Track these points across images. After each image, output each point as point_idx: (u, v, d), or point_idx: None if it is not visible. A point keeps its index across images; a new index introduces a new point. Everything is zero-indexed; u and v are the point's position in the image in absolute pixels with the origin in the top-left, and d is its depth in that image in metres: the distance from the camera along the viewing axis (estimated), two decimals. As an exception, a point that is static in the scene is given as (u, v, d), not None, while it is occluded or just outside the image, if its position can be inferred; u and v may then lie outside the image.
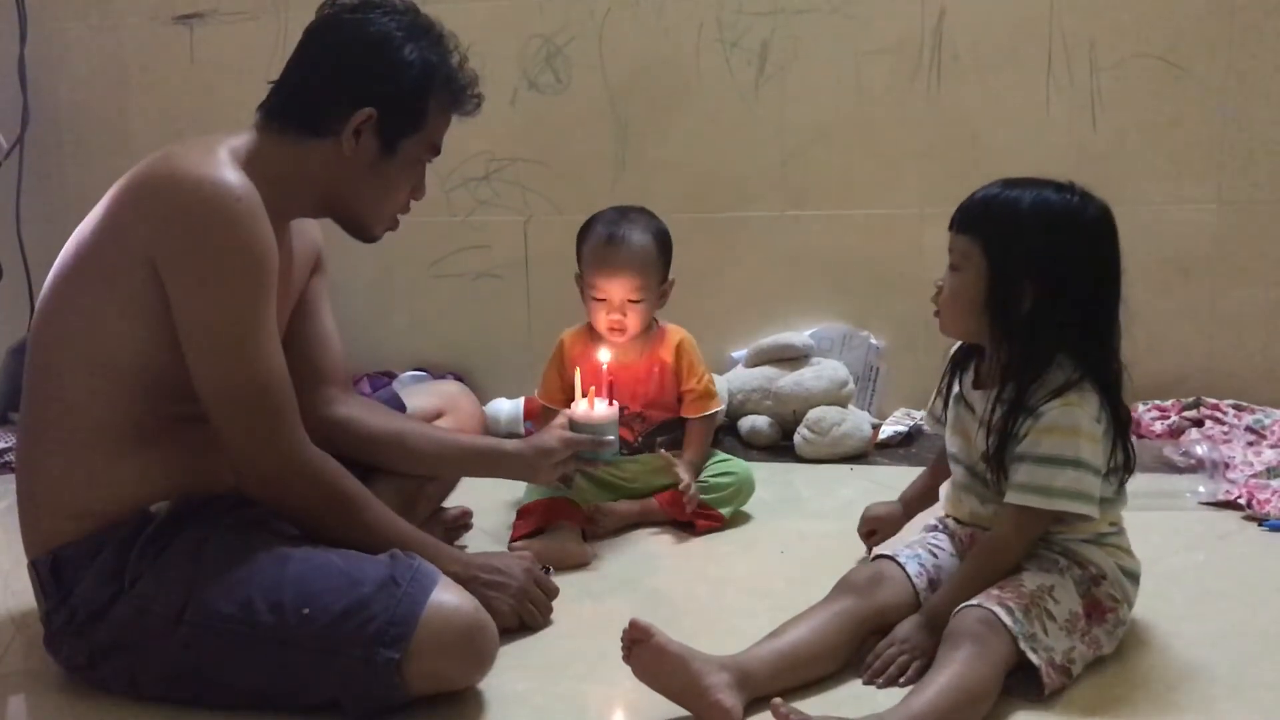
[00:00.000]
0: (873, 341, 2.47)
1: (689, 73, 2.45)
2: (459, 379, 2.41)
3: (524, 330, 2.58)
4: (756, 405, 2.35)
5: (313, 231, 1.54)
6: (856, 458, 2.22)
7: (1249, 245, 2.29)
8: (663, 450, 1.84)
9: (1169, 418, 2.24)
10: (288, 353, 1.34)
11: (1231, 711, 1.22)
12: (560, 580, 1.52)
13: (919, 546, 1.43)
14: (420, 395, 1.80)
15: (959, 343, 1.44)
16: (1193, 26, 2.24)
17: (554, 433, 1.65)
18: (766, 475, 2.00)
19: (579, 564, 1.68)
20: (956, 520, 1.44)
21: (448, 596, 1.23)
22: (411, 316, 2.66)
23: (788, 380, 2.32)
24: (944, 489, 1.47)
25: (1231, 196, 2.28)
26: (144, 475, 1.29)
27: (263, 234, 1.26)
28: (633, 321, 1.80)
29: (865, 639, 1.33)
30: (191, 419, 1.29)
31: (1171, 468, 2.00)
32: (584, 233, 1.83)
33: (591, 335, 1.85)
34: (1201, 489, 1.91)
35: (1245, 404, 2.24)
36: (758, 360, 2.40)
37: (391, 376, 2.56)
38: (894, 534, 1.55)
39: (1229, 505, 1.86)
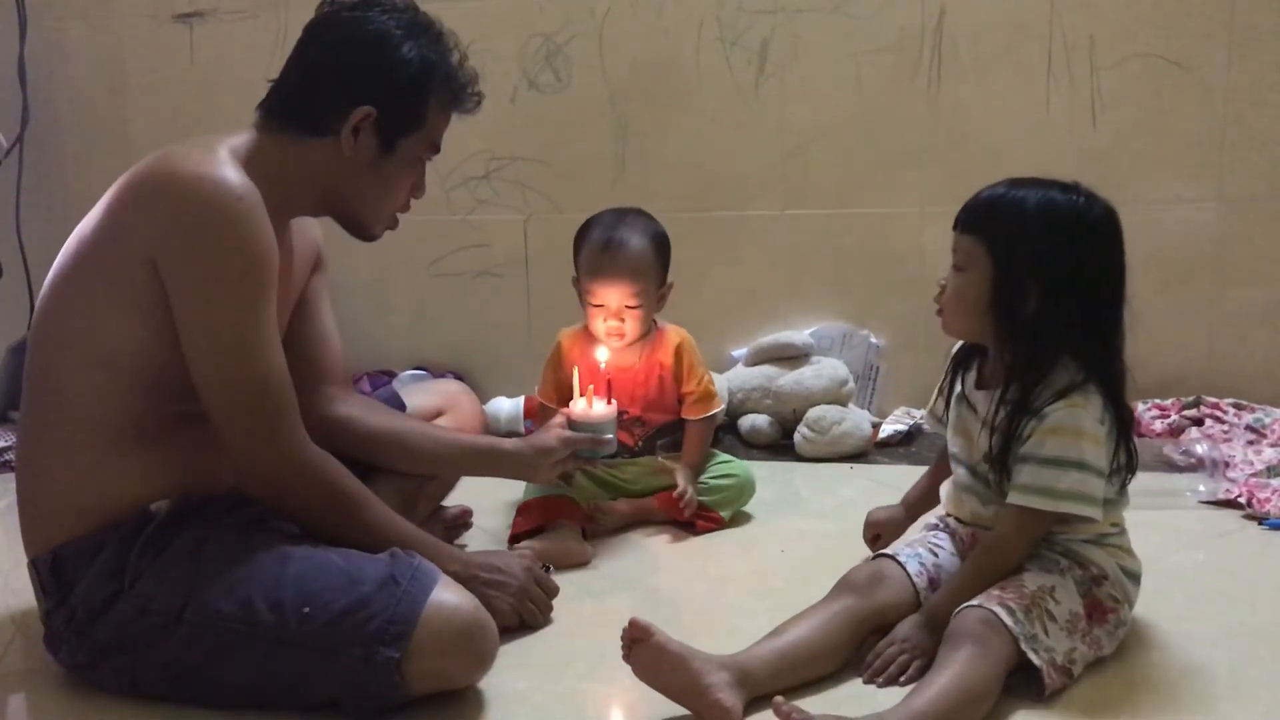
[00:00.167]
0: (873, 340, 2.47)
1: (689, 72, 2.45)
2: (459, 378, 2.41)
3: (524, 329, 2.58)
4: (756, 404, 2.35)
5: (313, 230, 1.54)
6: (856, 457, 2.22)
7: (1249, 244, 2.29)
8: (662, 459, 1.83)
9: (1169, 416, 2.24)
10: (288, 351, 1.34)
11: (1232, 711, 1.22)
12: (560, 579, 1.52)
13: (919, 545, 1.43)
14: (420, 394, 1.80)
15: (960, 342, 1.44)
16: (1193, 25, 2.24)
17: (553, 432, 1.65)
18: (766, 474, 2.00)
19: (579, 563, 1.68)
20: (958, 519, 1.44)
21: (448, 595, 1.23)
22: (411, 315, 2.66)
23: (788, 379, 2.32)
24: (944, 488, 1.47)
25: (1231, 195, 2.28)
26: (144, 474, 1.29)
27: (263, 233, 1.26)
28: (631, 326, 1.79)
29: (865, 638, 1.33)
30: (192, 418, 1.29)
31: (1172, 466, 2.00)
32: (580, 237, 1.81)
33: (589, 335, 1.84)
34: (1202, 488, 1.91)
35: (1245, 403, 2.24)
36: (758, 359, 2.40)
37: (391, 375, 2.56)
38: (898, 537, 1.54)
39: (1229, 504, 1.86)
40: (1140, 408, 2.25)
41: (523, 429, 2.36)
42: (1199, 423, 2.21)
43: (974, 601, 1.25)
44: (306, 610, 1.20)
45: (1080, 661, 1.27)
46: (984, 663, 1.18)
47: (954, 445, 1.43)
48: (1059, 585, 1.28)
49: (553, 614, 1.47)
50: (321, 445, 1.33)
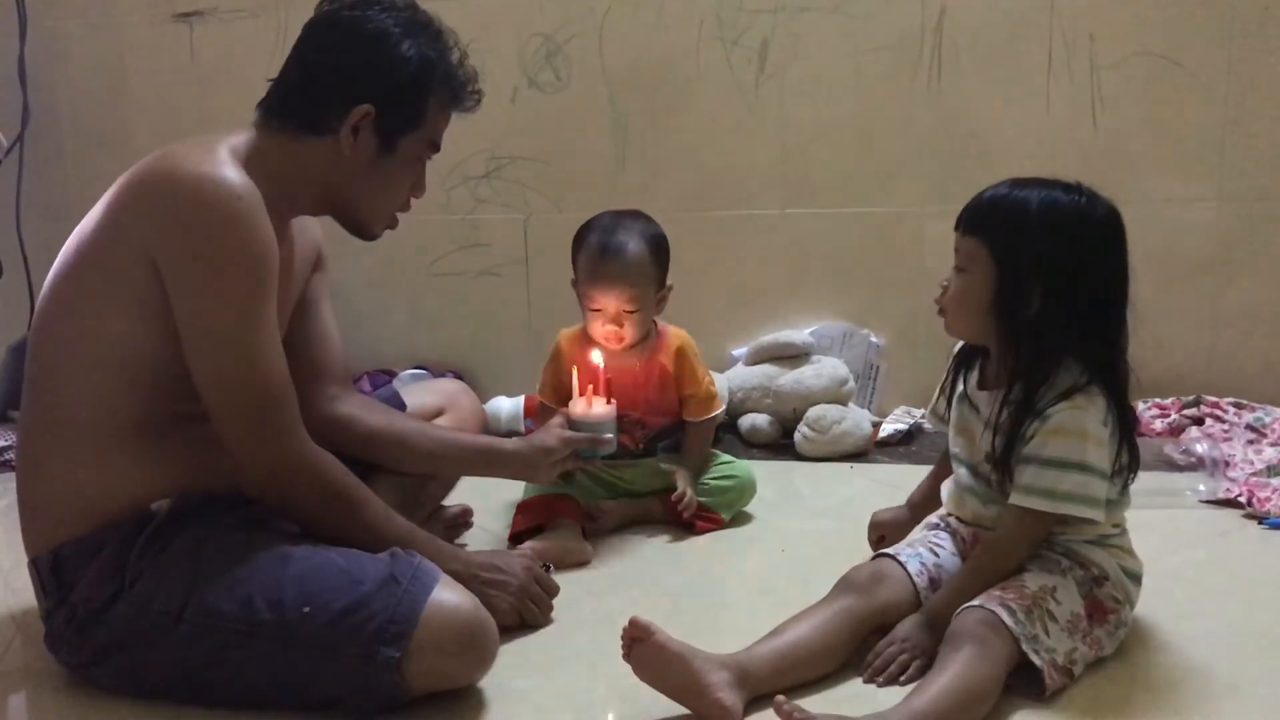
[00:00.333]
0: (873, 339, 2.47)
1: (689, 71, 2.45)
2: (459, 377, 2.42)
3: (524, 328, 2.58)
4: (757, 403, 2.35)
5: (314, 229, 1.54)
6: (856, 456, 2.22)
7: (1249, 243, 2.29)
8: (663, 466, 1.83)
9: (1169, 416, 2.24)
10: (288, 351, 1.33)
11: (1232, 710, 1.22)
12: (561, 578, 1.52)
13: (920, 545, 1.43)
14: (420, 393, 1.80)
15: (962, 341, 1.44)
16: (1193, 24, 2.24)
17: (553, 431, 1.65)
18: (767, 473, 2.00)
19: (579, 562, 1.68)
20: (959, 519, 1.44)
21: (448, 595, 1.23)
22: (411, 314, 2.67)
23: (788, 378, 2.32)
24: (945, 487, 1.47)
25: (1232, 194, 2.28)
26: (145, 473, 1.29)
27: (263, 232, 1.26)
28: (629, 331, 1.77)
29: (866, 638, 1.33)
30: (192, 417, 1.29)
31: (1172, 466, 2.00)
32: (578, 241, 1.79)
33: (589, 336, 1.84)
34: (1202, 487, 1.91)
35: (1245, 402, 2.24)
36: (758, 358, 2.40)
37: (391, 375, 2.56)
38: (903, 539, 1.54)
39: (1229, 503, 1.86)
40: (1140, 407, 2.25)
41: (523, 428, 2.36)
42: (1199, 422, 2.21)
43: (975, 602, 1.25)
44: (307, 610, 1.20)
45: (1081, 662, 1.27)
46: (985, 663, 1.18)
47: (955, 445, 1.43)
48: (1060, 586, 1.28)
49: (553, 613, 1.47)
50: (322, 445, 1.33)
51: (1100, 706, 1.23)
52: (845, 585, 1.36)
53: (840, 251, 2.46)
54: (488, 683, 1.28)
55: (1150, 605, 1.41)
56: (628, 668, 1.21)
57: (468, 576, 1.34)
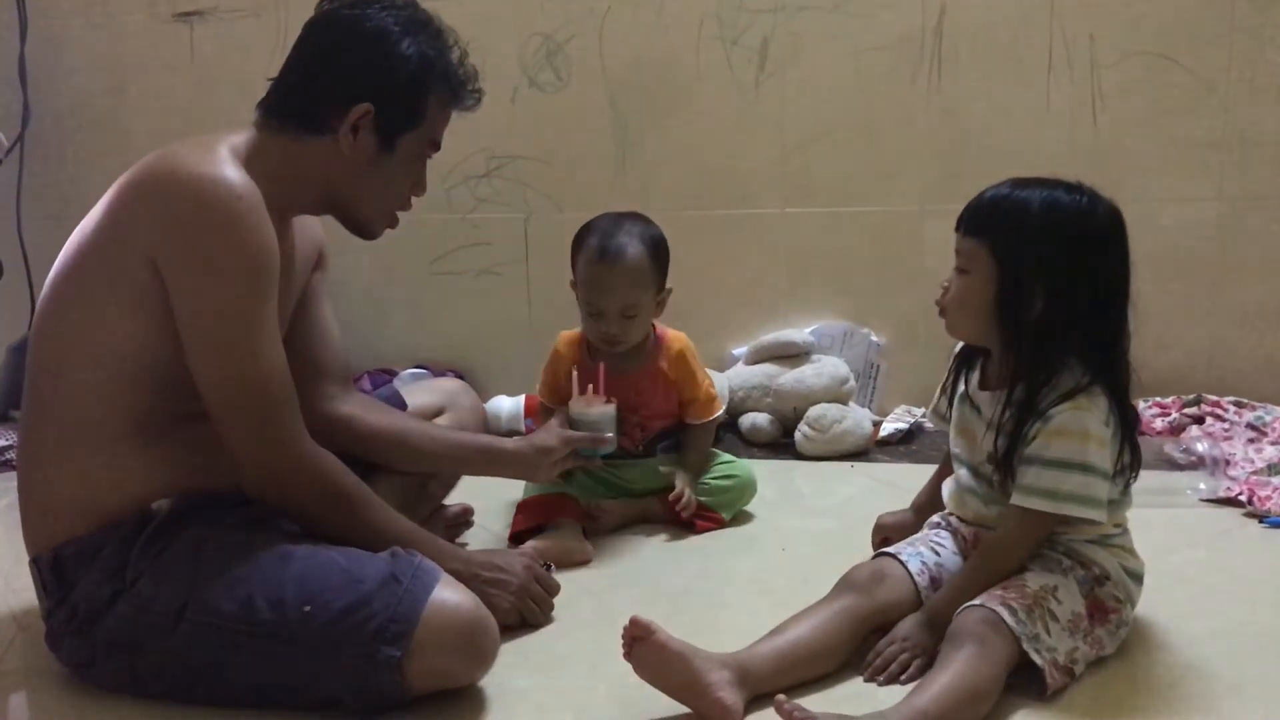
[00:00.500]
0: (873, 339, 2.47)
1: (689, 70, 2.45)
2: (459, 376, 2.41)
3: (524, 327, 2.58)
4: (757, 403, 2.35)
5: (315, 227, 1.54)
6: (857, 455, 2.22)
7: (1249, 242, 2.29)
8: (663, 470, 1.83)
9: (1170, 415, 2.24)
10: (288, 350, 1.33)
11: (1232, 709, 1.22)
12: (561, 577, 1.52)
13: (921, 544, 1.43)
14: (421, 393, 1.80)
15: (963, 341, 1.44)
16: (1193, 23, 2.23)
17: (553, 431, 1.66)
18: (767, 472, 2.00)
19: (580, 561, 1.68)
20: (960, 519, 1.44)
21: (449, 594, 1.23)
22: (412, 314, 2.66)
23: (788, 377, 2.32)
24: (946, 486, 1.47)
25: (1232, 193, 2.28)
26: (145, 473, 1.29)
27: (263, 232, 1.26)
28: (628, 334, 1.76)
29: (866, 637, 1.33)
30: (193, 416, 1.29)
31: (1172, 465, 1.99)
32: (578, 243, 1.77)
33: (587, 339, 1.83)
34: (1202, 486, 1.91)
35: (1246, 401, 2.24)
36: (758, 357, 2.40)
37: (392, 374, 2.56)
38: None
39: (1230, 502, 1.86)
40: (1141, 405, 2.25)
41: (523, 427, 2.36)
42: (1200, 421, 2.21)
43: (976, 601, 1.25)
44: (307, 609, 1.20)
45: (1082, 661, 1.27)
46: (985, 662, 1.18)
47: (956, 446, 1.43)
48: (1061, 585, 1.28)
49: (553, 612, 1.47)
50: (322, 444, 1.33)
51: (1101, 706, 1.23)
52: (846, 584, 1.36)
53: (840, 251, 2.46)
54: (488, 682, 1.28)
55: (1151, 604, 1.41)
56: (628, 667, 1.21)
57: (468, 575, 1.34)
